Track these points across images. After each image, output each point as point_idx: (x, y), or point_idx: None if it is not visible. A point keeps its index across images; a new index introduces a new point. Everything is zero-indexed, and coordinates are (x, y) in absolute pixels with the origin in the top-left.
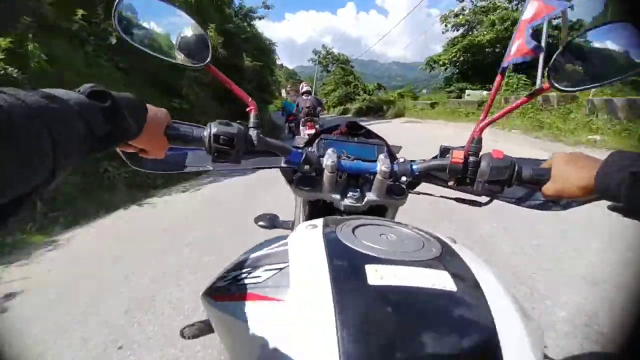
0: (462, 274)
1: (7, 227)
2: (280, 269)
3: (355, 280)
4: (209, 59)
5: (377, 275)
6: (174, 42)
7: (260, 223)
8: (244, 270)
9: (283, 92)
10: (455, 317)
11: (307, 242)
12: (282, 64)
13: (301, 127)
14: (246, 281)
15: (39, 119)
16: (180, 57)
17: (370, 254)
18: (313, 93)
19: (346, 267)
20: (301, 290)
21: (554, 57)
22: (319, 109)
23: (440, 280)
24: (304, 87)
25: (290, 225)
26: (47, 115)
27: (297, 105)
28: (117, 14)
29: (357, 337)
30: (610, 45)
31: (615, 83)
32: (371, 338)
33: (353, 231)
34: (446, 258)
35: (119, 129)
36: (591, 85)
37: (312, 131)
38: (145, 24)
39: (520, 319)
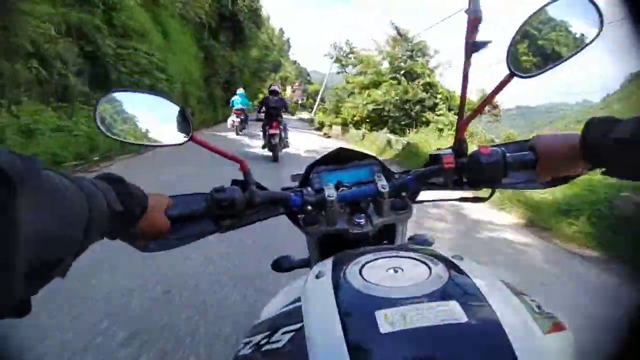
0: (471, 299)
1: (36, 293)
2: (297, 330)
3: (368, 330)
4: (192, 132)
5: (387, 322)
6: (157, 126)
7: (278, 268)
8: (264, 335)
9: (288, 88)
10: (469, 349)
11: (318, 296)
12: (295, 61)
13: (267, 127)
14: (268, 347)
15: (82, 193)
16: (165, 138)
17: (379, 296)
18: (319, 99)
19: (358, 317)
20: (318, 351)
21: (509, 44)
22: (283, 109)
23: (449, 313)
24: (271, 87)
25: (306, 263)
26: (86, 190)
27: (263, 105)
28: (98, 114)
29: None
30: (564, 21)
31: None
32: None
33: (360, 271)
34: (454, 283)
35: (129, 208)
36: (550, 66)
37: (277, 131)
38: (126, 118)
39: (540, 336)
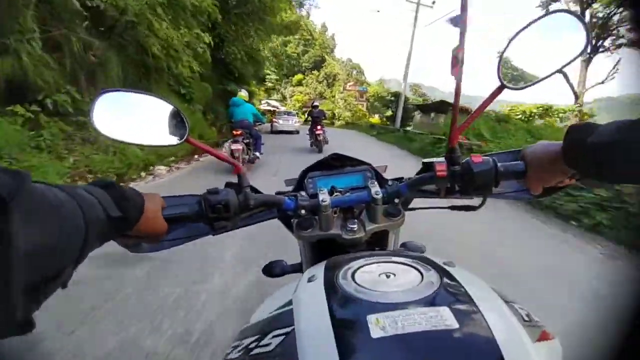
0: (462, 305)
1: (38, 307)
2: (287, 334)
3: (359, 335)
4: (186, 134)
5: (378, 327)
6: (153, 126)
7: (269, 273)
8: (254, 338)
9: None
10: (459, 354)
11: (309, 300)
12: (348, 59)
13: (313, 129)
14: (257, 351)
15: (75, 202)
16: (159, 139)
17: (371, 301)
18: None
19: (349, 322)
20: (309, 355)
21: (500, 57)
22: (323, 117)
23: (440, 318)
24: (314, 102)
25: (298, 268)
26: (80, 199)
27: (309, 115)
28: (93, 113)
29: None
30: (553, 36)
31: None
32: None
33: (353, 276)
34: (445, 289)
35: (126, 211)
36: (539, 80)
37: (321, 132)
38: (123, 117)
39: (529, 344)
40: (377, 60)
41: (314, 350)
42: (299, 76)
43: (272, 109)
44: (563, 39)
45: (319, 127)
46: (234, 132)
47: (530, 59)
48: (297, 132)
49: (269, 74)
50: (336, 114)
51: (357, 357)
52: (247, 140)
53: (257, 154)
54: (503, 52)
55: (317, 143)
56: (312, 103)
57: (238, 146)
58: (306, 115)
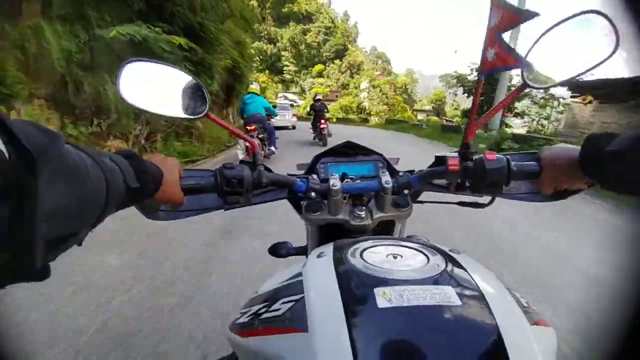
0: (465, 287)
1: (54, 259)
2: (297, 300)
3: (366, 305)
4: (207, 108)
5: (385, 298)
6: (175, 98)
7: (275, 254)
8: (263, 304)
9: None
10: (461, 330)
11: (319, 272)
12: (371, 46)
13: (317, 123)
14: (267, 315)
15: (100, 169)
16: (182, 111)
17: (378, 276)
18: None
19: (357, 293)
20: (318, 320)
21: (526, 55)
22: (325, 110)
23: (444, 296)
24: (316, 96)
25: (303, 251)
26: (105, 167)
27: (312, 109)
28: (120, 80)
29: (372, 359)
30: (581, 36)
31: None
32: (384, 359)
33: (361, 255)
34: (450, 272)
35: (145, 184)
36: (564, 80)
37: (325, 125)
38: (147, 86)
39: (527, 325)
40: (402, 50)
41: (323, 315)
42: (320, 67)
43: (289, 102)
44: (592, 40)
45: (322, 120)
46: (248, 127)
47: (556, 59)
48: (293, 127)
49: (287, 65)
50: (367, 108)
51: (363, 323)
52: (262, 135)
53: (273, 148)
54: (529, 51)
55: (321, 137)
56: (315, 97)
57: (253, 141)
58: (308, 109)
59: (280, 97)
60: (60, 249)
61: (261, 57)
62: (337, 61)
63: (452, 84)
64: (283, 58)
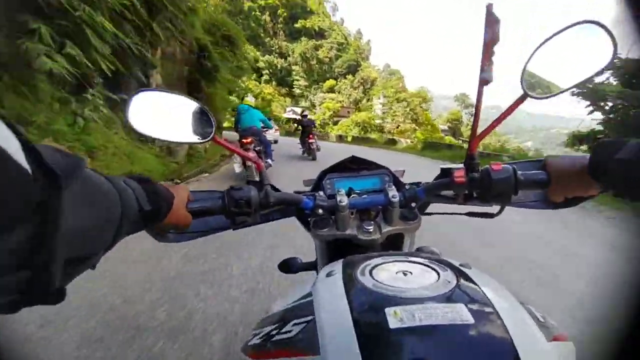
0: (478, 304)
1: (69, 282)
2: (308, 322)
3: (378, 325)
4: (213, 133)
5: (397, 318)
6: (182, 124)
7: (285, 270)
8: (275, 326)
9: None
10: (476, 349)
11: (329, 292)
12: (384, 63)
13: (306, 139)
14: (278, 337)
15: (117, 192)
16: (189, 136)
17: (389, 295)
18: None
19: (368, 313)
20: (329, 343)
21: (524, 66)
22: (313, 126)
23: (457, 314)
24: (304, 112)
25: (313, 266)
26: (121, 191)
27: (299, 124)
28: (129, 108)
29: None
30: (579, 46)
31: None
32: None
33: (371, 273)
34: (462, 288)
35: (157, 207)
36: (563, 90)
37: (313, 140)
38: (155, 115)
39: (543, 341)
40: (414, 68)
41: (335, 337)
42: (331, 82)
43: (297, 117)
44: (589, 50)
45: (311, 135)
46: (244, 140)
47: (554, 69)
48: (276, 142)
49: (297, 80)
50: (387, 128)
51: (375, 345)
52: (258, 148)
53: (269, 161)
54: (527, 61)
55: (310, 152)
56: (302, 112)
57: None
58: (296, 125)
59: (289, 112)
60: (76, 271)
61: (271, 70)
62: (349, 77)
63: (467, 104)
64: (294, 72)
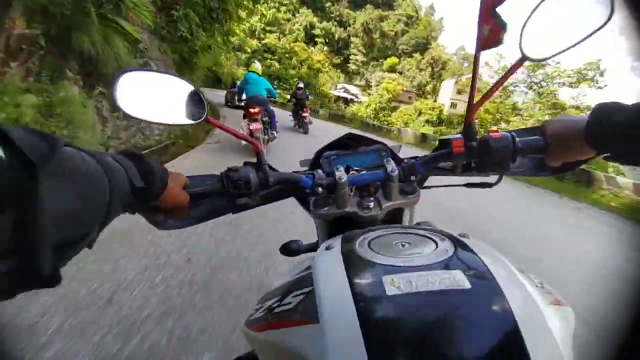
0: (475, 270)
1: (65, 264)
2: (307, 293)
3: (375, 293)
4: (205, 114)
5: (394, 286)
6: (173, 105)
7: (286, 252)
8: (275, 299)
9: (446, 84)
10: (473, 314)
11: (328, 263)
12: (458, 46)
13: (299, 112)
14: (279, 309)
15: (102, 169)
16: (181, 118)
17: (387, 264)
18: None
19: (365, 281)
20: (328, 310)
21: (522, 27)
22: (305, 99)
23: (454, 280)
24: (298, 84)
25: (314, 247)
26: (107, 166)
27: (293, 97)
28: (116, 90)
29: (383, 346)
30: (575, 5)
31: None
32: (395, 346)
33: (369, 244)
34: (459, 256)
35: (150, 184)
36: (561, 50)
37: (306, 114)
38: (144, 96)
39: (541, 306)
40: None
41: (333, 306)
42: (393, 59)
43: (349, 97)
44: (587, 9)
45: (305, 109)
46: (251, 110)
47: (552, 30)
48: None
49: (355, 54)
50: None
51: (373, 311)
52: (265, 118)
53: (275, 132)
54: (525, 23)
55: (302, 125)
56: (297, 85)
57: (257, 125)
58: (289, 97)
59: (340, 89)
60: (70, 253)
61: (327, 39)
62: (416, 55)
63: None
64: (352, 45)
